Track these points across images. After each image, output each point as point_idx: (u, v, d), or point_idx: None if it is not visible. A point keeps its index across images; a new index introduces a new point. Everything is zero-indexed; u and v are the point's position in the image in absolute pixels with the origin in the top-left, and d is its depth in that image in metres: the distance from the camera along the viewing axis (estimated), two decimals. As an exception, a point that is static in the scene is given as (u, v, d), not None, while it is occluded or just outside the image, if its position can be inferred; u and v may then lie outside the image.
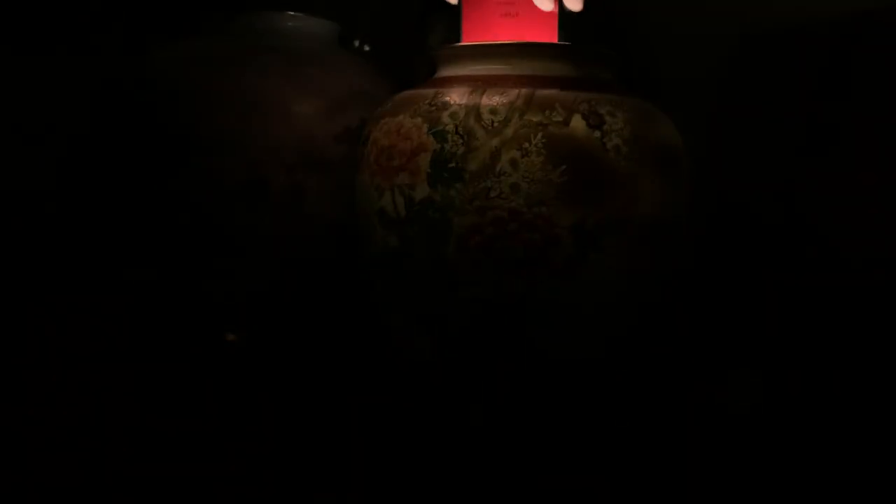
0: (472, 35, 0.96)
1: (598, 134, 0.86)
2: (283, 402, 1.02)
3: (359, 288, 1.03)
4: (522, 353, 0.90)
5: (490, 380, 0.91)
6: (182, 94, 1.08)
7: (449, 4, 0.97)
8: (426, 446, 0.95)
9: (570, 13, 0.94)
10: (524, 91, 0.88)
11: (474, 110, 0.87)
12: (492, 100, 0.87)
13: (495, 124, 0.86)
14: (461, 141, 0.87)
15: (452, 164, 0.87)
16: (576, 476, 0.90)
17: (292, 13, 1.14)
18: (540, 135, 0.85)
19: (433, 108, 0.89)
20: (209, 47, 1.11)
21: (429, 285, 0.90)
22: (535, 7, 0.93)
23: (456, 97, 0.89)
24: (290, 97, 1.09)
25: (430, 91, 0.92)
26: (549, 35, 0.94)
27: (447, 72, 0.94)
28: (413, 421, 0.96)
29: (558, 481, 0.90)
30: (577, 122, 0.86)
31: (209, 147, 1.07)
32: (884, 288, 0.97)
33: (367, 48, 1.20)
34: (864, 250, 0.99)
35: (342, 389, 1.03)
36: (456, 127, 0.87)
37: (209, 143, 1.07)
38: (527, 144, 0.85)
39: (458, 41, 0.97)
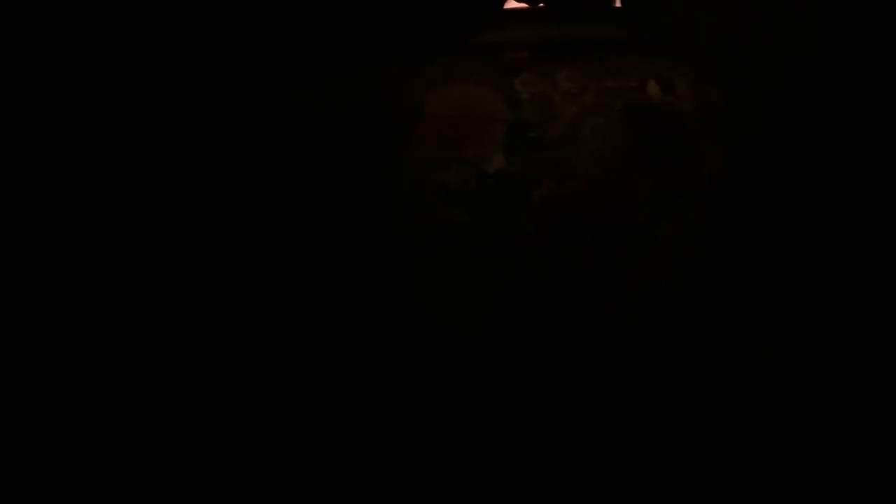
0: None
1: (670, 99, 0.87)
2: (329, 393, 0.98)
3: (393, 268, 1.00)
4: (595, 319, 0.89)
5: (560, 347, 0.90)
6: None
7: None
8: (487, 417, 0.93)
9: None
10: (598, 56, 0.87)
11: (549, 77, 0.85)
12: (566, 66, 0.86)
13: (573, 91, 0.85)
14: (538, 109, 0.85)
15: (530, 134, 0.85)
16: (651, 436, 0.91)
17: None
18: (619, 101, 0.85)
19: (501, 75, 0.86)
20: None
21: (498, 258, 0.88)
22: None
23: (526, 63, 0.87)
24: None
25: (490, 57, 0.89)
26: None
27: (504, 36, 0.91)
28: (477, 393, 0.94)
29: (632, 442, 0.91)
30: (653, 88, 0.86)
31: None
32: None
33: None
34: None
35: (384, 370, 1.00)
36: (532, 95, 0.85)
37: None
38: (606, 111, 0.85)
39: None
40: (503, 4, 0.93)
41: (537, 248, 0.87)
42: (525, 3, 0.93)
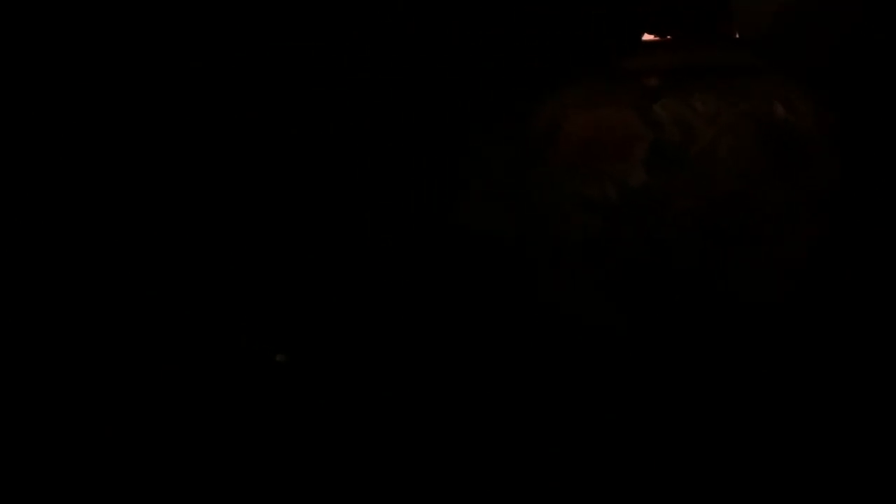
0: None
1: (794, 118, 0.96)
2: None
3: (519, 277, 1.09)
4: (728, 317, 0.98)
5: (692, 343, 0.99)
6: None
7: None
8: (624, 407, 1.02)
9: None
10: (727, 81, 0.96)
11: (686, 101, 0.94)
12: (701, 91, 0.95)
13: (710, 114, 0.94)
14: (678, 130, 0.94)
15: (672, 152, 0.94)
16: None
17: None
18: (751, 122, 0.94)
19: (641, 99, 0.95)
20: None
21: (636, 263, 0.97)
22: None
23: (663, 89, 0.96)
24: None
25: (627, 83, 0.98)
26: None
27: (638, 64, 1.00)
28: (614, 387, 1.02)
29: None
30: (779, 109, 0.95)
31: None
32: None
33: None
34: None
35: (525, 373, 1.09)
36: (672, 117, 0.94)
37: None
38: (740, 131, 0.94)
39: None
40: (633, 35, 1.02)
41: (675, 254, 0.96)
42: (655, 35, 1.02)
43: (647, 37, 1.02)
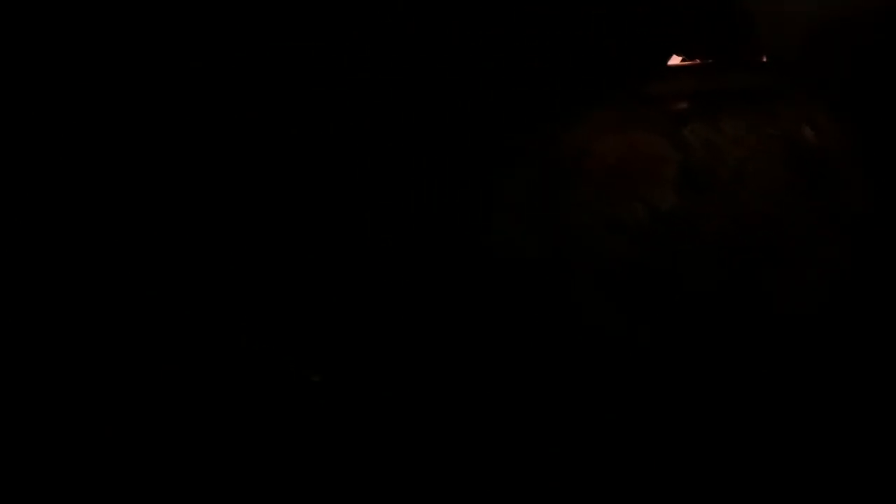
0: None
1: (822, 140, 0.97)
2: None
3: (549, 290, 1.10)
4: (753, 337, 1.00)
5: (716, 360, 1.01)
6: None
7: None
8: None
9: None
10: (755, 104, 0.97)
11: (714, 125, 0.96)
12: (729, 115, 0.96)
13: (738, 137, 0.95)
14: (707, 153, 0.95)
15: (701, 175, 0.95)
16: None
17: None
18: (778, 144, 0.95)
19: (670, 123, 0.97)
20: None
21: (665, 284, 0.99)
22: None
23: (692, 113, 0.97)
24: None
25: (656, 107, 0.99)
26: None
27: (667, 88, 1.02)
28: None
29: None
30: (806, 131, 0.97)
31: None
32: None
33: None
34: None
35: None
36: (701, 141, 0.95)
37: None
38: (768, 154, 0.95)
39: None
40: (660, 60, 1.04)
41: (704, 275, 0.97)
42: (682, 58, 1.03)
43: (674, 60, 1.03)
